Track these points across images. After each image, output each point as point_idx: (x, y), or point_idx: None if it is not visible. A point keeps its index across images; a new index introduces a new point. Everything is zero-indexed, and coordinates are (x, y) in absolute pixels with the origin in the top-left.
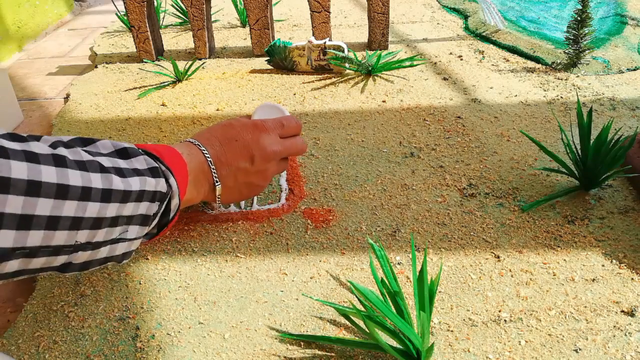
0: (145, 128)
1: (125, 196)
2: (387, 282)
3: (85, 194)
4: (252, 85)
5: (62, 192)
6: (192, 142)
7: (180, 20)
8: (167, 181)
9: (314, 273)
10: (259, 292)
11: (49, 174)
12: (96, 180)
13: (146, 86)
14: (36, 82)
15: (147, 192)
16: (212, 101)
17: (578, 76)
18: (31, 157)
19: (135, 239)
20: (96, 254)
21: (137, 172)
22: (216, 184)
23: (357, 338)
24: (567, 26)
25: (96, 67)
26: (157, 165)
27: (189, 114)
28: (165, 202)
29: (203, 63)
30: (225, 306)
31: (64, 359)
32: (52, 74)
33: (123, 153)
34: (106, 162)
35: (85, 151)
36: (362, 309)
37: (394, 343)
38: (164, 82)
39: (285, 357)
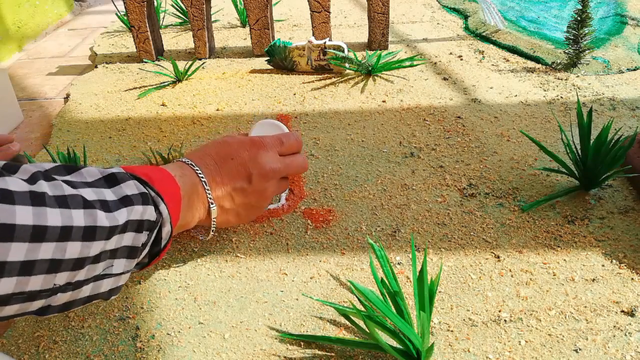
0: (145, 128)
1: (110, 232)
2: (387, 282)
3: (65, 234)
4: (252, 85)
5: (39, 234)
6: (185, 161)
7: (180, 20)
8: (157, 208)
9: (314, 273)
10: (259, 292)
11: (24, 215)
12: (78, 218)
13: (146, 86)
14: (36, 82)
15: (132, 222)
16: (212, 101)
17: (578, 76)
18: (5, 197)
19: (122, 273)
20: (78, 294)
21: (124, 202)
22: (211, 206)
23: (357, 338)
24: (567, 26)
25: (96, 67)
26: (146, 191)
27: (189, 114)
28: (155, 231)
29: (203, 63)
30: (225, 306)
31: (64, 359)
32: (52, 74)
33: (111, 179)
34: (91, 194)
35: (68, 182)
36: (362, 309)
37: (394, 343)
38: (164, 82)
39: (285, 357)
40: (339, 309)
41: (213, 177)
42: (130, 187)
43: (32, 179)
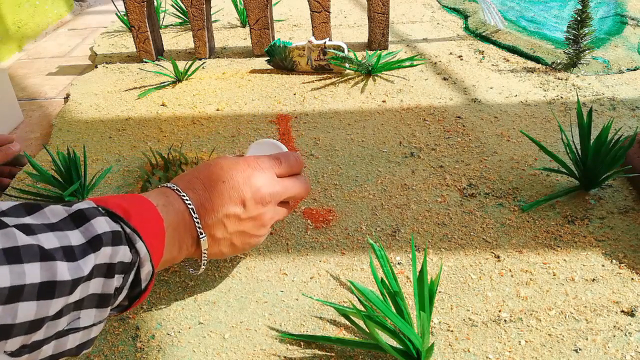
0: (145, 128)
1: (74, 285)
2: (387, 282)
3: (14, 295)
4: (252, 85)
5: None
6: (169, 187)
7: (180, 20)
8: (133, 247)
9: (314, 273)
10: (259, 292)
11: None
12: (32, 274)
13: (146, 86)
14: (36, 82)
15: (99, 266)
16: (212, 101)
17: (578, 76)
18: None
19: (92, 325)
20: (37, 356)
21: (92, 245)
22: (200, 236)
23: (357, 338)
24: (567, 26)
25: (96, 67)
26: (119, 229)
27: (189, 114)
28: (132, 272)
29: (203, 63)
30: (225, 306)
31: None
32: (52, 74)
33: (78, 217)
34: (52, 240)
35: (25, 227)
36: (362, 309)
37: (394, 343)
38: (164, 82)
39: (285, 357)
40: (339, 309)
41: (202, 203)
42: (101, 225)
43: None
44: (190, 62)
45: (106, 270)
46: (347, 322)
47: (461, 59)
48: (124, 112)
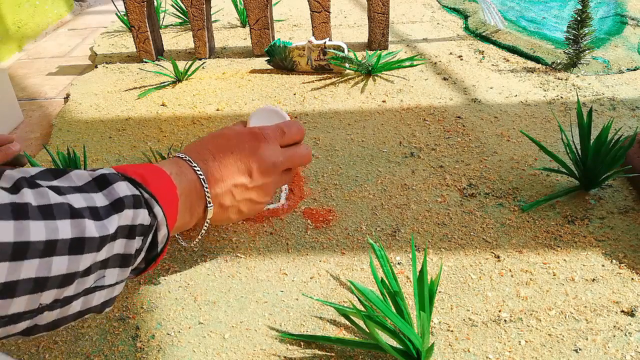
0: (145, 128)
1: (101, 243)
2: (387, 282)
3: (49, 249)
4: (252, 85)
5: (20, 251)
6: (181, 157)
7: (180, 20)
8: (151, 210)
9: (314, 273)
10: (259, 292)
11: (3, 232)
12: (64, 230)
13: (146, 86)
14: (36, 82)
15: (123, 227)
16: (212, 101)
17: (578, 76)
18: None
19: (116, 283)
20: (67, 311)
21: (115, 206)
22: (209, 205)
23: (357, 338)
24: (567, 26)
25: (96, 67)
26: (138, 193)
27: (189, 114)
28: (150, 235)
29: (203, 63)
30: (225, 306)
31: (64, 359)
32: (52, 74)
33: (101, 182)
34: (79, 200)
35: (55, 188)
36: (362, 309)
37: (394, 343)
38: (164, 82)
39: (285, 357)
40: (339, 309)
41: (212, 173)
42: (122, 189)
43: (15, 188)
44: (190, 62)
45: (128, 232)
46: (347, 322)
47: (461, 59)
48: (124, 112)
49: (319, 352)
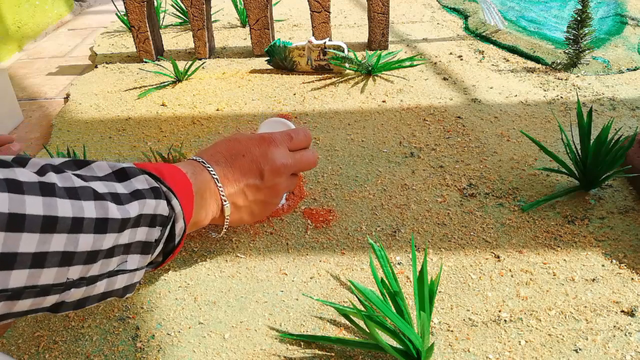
0: (145, 128)
1: (122, 224)
2: (387, 282)
3: (76, 225)
4: (252, 85)
5: (49, 225)
6: (196, 159)
7: (180, 20)
8: (169, 203)
9: (314, 273)
10: (259, 292)
11: (34, 205)
12: (89, 209)
13: (146, 86)
14: (36, 82)
15: (145, 216)
16: (212, 101)
17: (578, 76)
18: (14, 187)
19: (136, 269)
20: (92, 290)
21: (135, 196)
22: (224, 203)
23: (357, 338)
24: (567, 26)
25: (96, 67)
26: (157, 186)
27: (189, 114)
28: (168, 227)
29: (203, 63)
30: (225, 306)
31: (64, 359)
32: (52, 74)
33: (121, 174)
34: (101, 187)
35: (78, 175)
36: (362, 308)
37: (394, 343)
38: (164, 82)
39: (285, 357)
40: (339, 309)
41: (225, 174)
42: (141, 182)
43: (42, 171)
44: (190, 62)
45: (150, 221)
46: (347, 322)
47: (461, 59)
48: (124, 112)
49: (319, 352)
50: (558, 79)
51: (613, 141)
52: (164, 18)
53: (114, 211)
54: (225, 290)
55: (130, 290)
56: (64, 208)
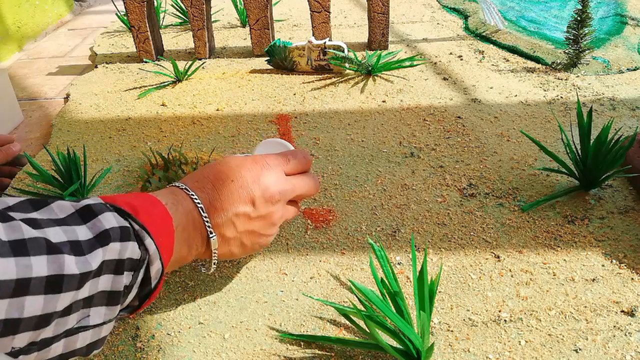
0: (145, 128)
1: (82, 279)
2: (387, 282)
3: (21, 288)
4: (252, 85)
5: None
6: (178, 186)
7: (180, 20)
8: (142, 243)
9: (314, 273)
10: (259, 292)
11: None
12: (39, 267)
13: (146, 86)
14: (36, 82)
15: (108, 263)
16: (212, 101)
17: (578, 76)
18: None
19: (103, 323)
20: (46, 354)
21: (101, 240)
22: (210, 236)
23: (357, 338)
24: (567, 26)
25: (96, 67)
26: (127, 225)
27: (189, 114)
28: (142, 270)
29: (203, 63)
30: (225, 306)
31: None
32: (52, 74)
33: (85, 213)
34: (59, 234)
35: (32, 220)
36: (363, 308)
37: (394, 343)
38: (164, 82)
39: (285, 357)
40: (339, 309)
41: (211, 202)
42: (109, 220)
43: None
44: (190, 62)
45: (115, 267)
46: (347, 322)
47: (461, 59)
48: (124, 112)
49: (319, 352)
50: (558, 79)
51: (613, 141)
52: (164, 18)
53: (70, 266)
54: (225, 290)
55: (96, 346)
56: (6, 269)
